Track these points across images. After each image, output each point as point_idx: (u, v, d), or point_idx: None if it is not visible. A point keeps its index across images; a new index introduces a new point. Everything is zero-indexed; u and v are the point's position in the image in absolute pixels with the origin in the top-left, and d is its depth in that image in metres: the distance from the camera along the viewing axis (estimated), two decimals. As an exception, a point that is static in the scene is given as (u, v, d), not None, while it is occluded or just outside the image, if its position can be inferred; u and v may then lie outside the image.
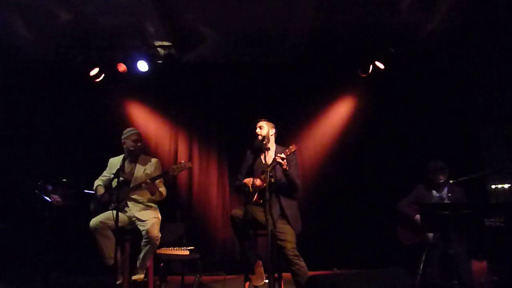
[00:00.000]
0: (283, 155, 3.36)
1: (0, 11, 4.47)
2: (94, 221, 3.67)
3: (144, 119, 5.57)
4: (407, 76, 5.30)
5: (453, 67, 5.28)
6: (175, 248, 4.04)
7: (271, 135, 3.74)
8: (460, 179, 3.84)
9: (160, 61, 5.21)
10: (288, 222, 3.47)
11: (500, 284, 3.80)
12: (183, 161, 3.77)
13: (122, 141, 3.93)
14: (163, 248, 3.99)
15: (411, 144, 5.17)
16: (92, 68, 5.12)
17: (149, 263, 3.73)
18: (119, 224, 3.51)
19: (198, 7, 4.52)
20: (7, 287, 4.04)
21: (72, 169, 4.90)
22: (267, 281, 3.26)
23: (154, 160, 4.00)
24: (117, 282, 3.69)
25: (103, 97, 5.41)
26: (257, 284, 3.45)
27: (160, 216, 3.86)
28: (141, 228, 3.69)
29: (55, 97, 5.40)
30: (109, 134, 4.65)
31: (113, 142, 4.14)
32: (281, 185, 3.54)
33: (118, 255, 3.54)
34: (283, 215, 3.50)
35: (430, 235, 3.92)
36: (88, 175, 4.19)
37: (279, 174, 3.54)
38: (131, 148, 3.84)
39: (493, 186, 4.65)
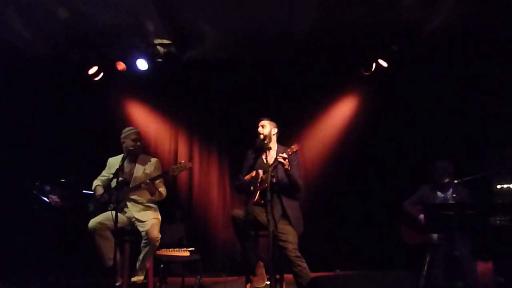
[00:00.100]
0: (284, 155, 3.35)
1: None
2: (93, 222, 3.65)
3: (144, 118, 5.54)
4: (410, 74, 5.25)
5: (458, 65, 5.23)
6: (175, 249, 4.03)
7: (273, 135, 3.73)
8: (465, 179, 3.81)
9: (159, 60, 5.17)
10: (290, 223, 3.46)
11: (505, 286, 3.77)
12: (183, 161, 3.75)
13: (121, 140, 3.91)
14: (163, 249, 3.97)
15: (414, 144, 5.14)
16: (91, 67, 5.10)
17: (148, 264, 3.72)
18: (119, 225, 3.48)
19: (198, 5, 4.49)
20: (6, 288, 4.03)
21: (71, 169, 4.86)
22: (268, 282, 3.28)
23: (154, 160, 3.98)
24: (117, 284, 3.67)
25: (102, 96, 5.38)
26: (258, 286, 3.43)
27: (160, 217, 3.84)
28: (140, 229, 3.67)
29: (53, 96, 5.38)
30: (108, 134, 4.63)
31: (112, 142, 4.13)
32: (282, 185, 3.53)
33: (118, 256, 3.51)
34: (285, 216, 3.49)
35: (434, 235, 3.89)
36: (86, 175, 4.15)
37: (281, 174, 3.52)
38: (131, 148, 3.82)
39: (498, 186, 4.62)
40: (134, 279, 3.66)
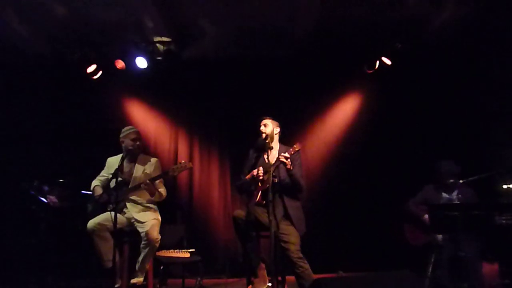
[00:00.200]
0: (287, 154, 3.33)
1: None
2: (91, 223, 3.64)
3: (143, 118, 5.51)
4: (414, 73, 5.21)
5: (463, 63, 5.19)
6: (175, 251, 4.03)
7: (276, 134, 3.70)
8: (470, 179, 3.78)
9: (159, 58, 5.15)
10: (292, 224, 3.43)
11: (511, 288, 3.71)
12: (183, 161, 3.73)
13: (121, 140, 3.89)
14: (163, 251, 3.97)
15: (418, 143, 5.10)
16: (89, 65, 5.07)
17: (148, 266, 3.72)
18: (118, 225, 3.45)
19: (198, 2, 4.46)
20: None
21: (69, 169, 4.85)
22: (270, 284, 3.28)
23: (153, 160, 3.96)
24: (116, 286, 3.66)
25: (101, 95, 5.35)
26: (260, 288, 3.39)
27: (159, 218, 3.83)
28: (140, 230, 3.66)
29: (51, 95, 5.35)
30: (107, 133, 4.58)
31: (111, 141, 4.10)
32: (284, 185, 3.50)
33: (117, 258, 3.48)
34: (287, 216, 3.46)
35: (439, 236, 3.85)
36: (85, 175, 4.13)
37: (283, 174, 3.50)
38: (130, 147, 3.80)
39: (504, 186, 4.57)
40: (133, 280, 3.64)
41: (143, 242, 3.62)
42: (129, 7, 4.44)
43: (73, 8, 4.47)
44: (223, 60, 5.47)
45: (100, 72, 5.16)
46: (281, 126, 3.75)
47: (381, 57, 5.05)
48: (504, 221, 3.65)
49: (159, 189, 3.78)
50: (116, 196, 3.49)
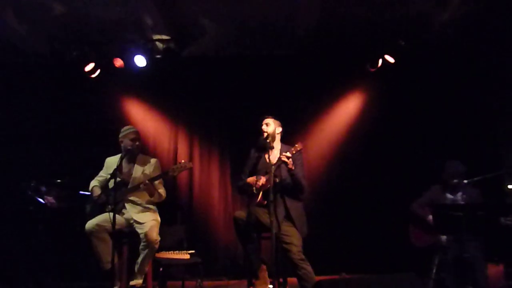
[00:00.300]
0: (288, 154, 3.30)
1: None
2: (90, 224, 3.61)
3: (142, 117, 5.47)
4: (418, 71, 5.18)
5: (468, 61, 5.17)
6: (175, 252, 4.00)
7: (277, 133, 3.67)
8: (475, 179, 3.75)
9: (158, 56, 5.13)
10: (294, 225, 3.41)
11: (517, 289, 3.68)
12: (183, 161, 3.70)
13: (120, 139, 3.87)
14: (162, 252, 3.94)
15: (423, 142, 5.07)
16: (87, 64, 5.04)
17: (147, 267, 3.70)
18: (116, 226, 3.42)
19: (199, 0, 4.42)
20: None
21: (67, 169, 4.82)
22: (271, 286, 3.28)
23: (153, 160, 3.94)
24: None
25: (99, 94, 5.31)
26: (260, 290, 3.39)
27: (159, 219, 3.80)
28: (139, 231, 3.63)
29: (49, 94, 5.30)
30: (106, 133, 4.57)
31: (110, 141, 4.08)
32: (286, 186, 3.48)
33: (116, 259, 3.44)
34: (288, 217, 3.44)
35: (443, 237, 3.80)
36: (83, 175, 4.10)
37: (284, 173, 3.48)
38: (129, 147, 3.77)
39: (510, 186, 4.54)
40: (132, 282, 3.62)
41: (142, 244, 3.60)
42: (129, 6, 4.41)
43: (72, 8, 4.46)
44: (224, 59, 5.44)
45: (99, 71, 5.12)
46: (282, 125, 3.71)
47: (383, 55, 5.01)
48: (509, 222, 3.64)
49: (159, 190, 3.76)
50: (115, 196, 3.47)
